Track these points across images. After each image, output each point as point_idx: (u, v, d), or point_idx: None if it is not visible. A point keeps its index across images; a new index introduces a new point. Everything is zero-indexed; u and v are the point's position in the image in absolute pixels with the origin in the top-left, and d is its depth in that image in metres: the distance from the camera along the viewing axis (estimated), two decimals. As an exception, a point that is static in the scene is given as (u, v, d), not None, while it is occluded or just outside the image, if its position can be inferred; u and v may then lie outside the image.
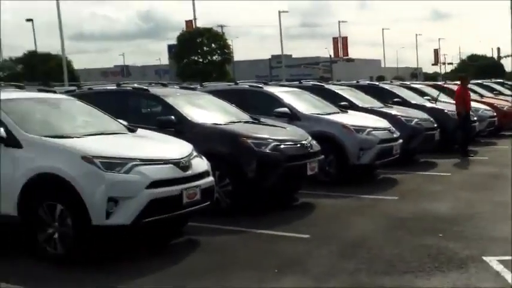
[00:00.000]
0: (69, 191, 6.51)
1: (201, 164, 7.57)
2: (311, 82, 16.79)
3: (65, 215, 6.58)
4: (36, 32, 67.11)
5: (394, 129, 12.56)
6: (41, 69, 60.53)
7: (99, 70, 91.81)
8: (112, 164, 6.60)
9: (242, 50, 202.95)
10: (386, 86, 18.27)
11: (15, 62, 73.30)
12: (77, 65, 74.55)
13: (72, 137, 7.13)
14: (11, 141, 6.94)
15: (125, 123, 8.36)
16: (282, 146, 9.27)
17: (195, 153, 7.61)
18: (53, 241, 6.67)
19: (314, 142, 9.98)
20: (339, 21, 77.32)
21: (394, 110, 14.72)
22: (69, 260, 6.58)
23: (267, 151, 9.06)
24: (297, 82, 16.28)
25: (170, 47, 70.38)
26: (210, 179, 7.63)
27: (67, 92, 10.74)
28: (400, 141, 12.53)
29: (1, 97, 7.64)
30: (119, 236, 7.22)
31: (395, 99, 16.32)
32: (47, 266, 6.52)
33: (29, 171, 6.75)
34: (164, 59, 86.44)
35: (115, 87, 11.01)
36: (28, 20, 59.43)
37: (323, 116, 12.08)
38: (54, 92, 9.36)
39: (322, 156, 10.07)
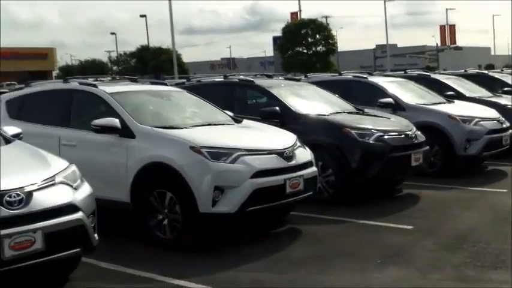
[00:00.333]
0: (178, 180, 6.77)
1: (304, 154, 7.66)
2: (416, 72, 16.45)
3: (174, 202, 6.84)
4: (148, 27, 70.20)
5: (503, 119, 12.13)
6: (152, 63, 62.82)
7: (207, 63, 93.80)
8: (218, 154, 6.80)
9: (346, 40, 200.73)
10: (496, 75, 17.59)
11: (129, 56, 76.51)
12: (186, 58, 76.85)
13: (182, 128, 7.41)
14: (125, 131, 7.29)
15: (231, 114, 8.61)
16: (386, 137, 9.20)
17: (298, 144, 7.71)
18: (163, 227, 6.96)
19: (419, 133, 9.84)
20: (447, 9, 74.87)
21: (505, 100, 14.17)
22: (177, 245, 6.84)
23: (371, 142, 9.03)
24: (402, 72, 16.03)
25: (275, 39, 70.98)
26: (313, 169, 7.71)
27: (177, 85, 11.14)
28: (511, 131, 12.10)
29: (117, 90, 8.09)
30: (224, 224, 7.45)
31: (506, 89, 15.69)
32: (156, 251, 6.82)
33: (141, 161, 7.08)
34: (269, 51, 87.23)
35: (222, 79, 11.31)
36: (142, 15, 61.94)
37: (428, 106, 11.84)
38: (165, 84, 9.73)
39: (427, 147, 9.91)
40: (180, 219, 6.82)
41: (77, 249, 5.28)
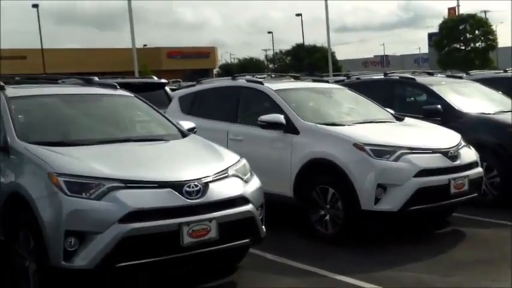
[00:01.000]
0: (341, 176, 6.85)
1: (469, 154, 7.46)
2: None
3: (336, 198, 6.93)
4: (303, 26, 71.60)
5: None
6: (307, 61, 63.74)
7: (359, 60, 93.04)
8: (382, 151, 6.80)
9: (507, 36, 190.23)
10: None
11: (284, 54, 78.25)
12: (339, 56, 76.66)
13: (344, 125, 7.48)
14: (290, 127, 7.49)
15: (392, 111, 8.56)
16: (558, 136, 8.69)
17: (463, 143, 7.52)
18: (324, 222, 7.08)
19: None
20: None
21: None
22: (338, 240, 6.93)
23: (542, 142, 8.58)
24: None
25: (430, 35, 69.00)
26: (479, 169, 7.49)
27: (336, 82, 11.22)
28: None
29: (282, 87, 8.32)
30: (386, 222, 7.43)
31: None
32: (318, 245, 6.94)
33: (305, 157, 7.24)
34: (423, 48, 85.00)
35: (382, 77, 11.25)
36: (297, 14, 63.26)
37: None
38: (327, 82, 9.84)
39: None
40: (341, 215, 6.90)
41: (247, 240, 5.51)
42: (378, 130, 7.56)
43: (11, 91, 6.26)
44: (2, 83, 6.34)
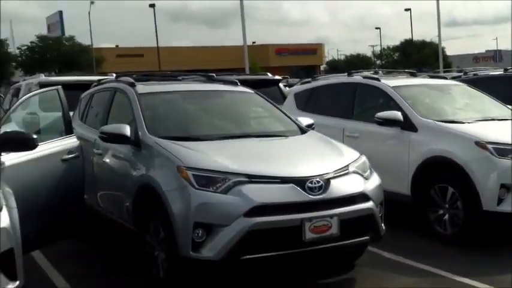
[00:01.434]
0: (461, 175, 6.67)
1: None
2: None
3: (456, 198, 6.77)
4: (413, 21, 70.80)
5: None
6: (415, 57, 62.50)
7: (470, 55, 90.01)
8: (506, 150, 6.56)
9: None
10: None
11: (392, 51, 77.27)
12: (449, 51, 74.70)
13: (464, 122, 7.29)
14: (408, 125, 7.39)
15: (515, 109, 8.25)
16: None
17: None
18: (443, 222, 6.93)
19: None
20: None
21: None
22: (457, 241, 6.75)
23: None
24: None
25: (547, 28, 65.71)
26: None
27: (453, 78, 10.94)
28: None
29: (399, 83, 8.22)
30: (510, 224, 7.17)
31: None
32: (437, 245, 6.81)
33: (423, 154, 7.12)
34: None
35: (501, 73, 10.88)
36: (406, 9, 62.31)
37: None
38: (445, 78, 9.62)
39: None
40: (461, 215, 6.73)
41: (366, 237, 5.50)
42: (500, 128, 7.27)
43: (140, 88, 6.55)
44: (132, 80, 6.67)
